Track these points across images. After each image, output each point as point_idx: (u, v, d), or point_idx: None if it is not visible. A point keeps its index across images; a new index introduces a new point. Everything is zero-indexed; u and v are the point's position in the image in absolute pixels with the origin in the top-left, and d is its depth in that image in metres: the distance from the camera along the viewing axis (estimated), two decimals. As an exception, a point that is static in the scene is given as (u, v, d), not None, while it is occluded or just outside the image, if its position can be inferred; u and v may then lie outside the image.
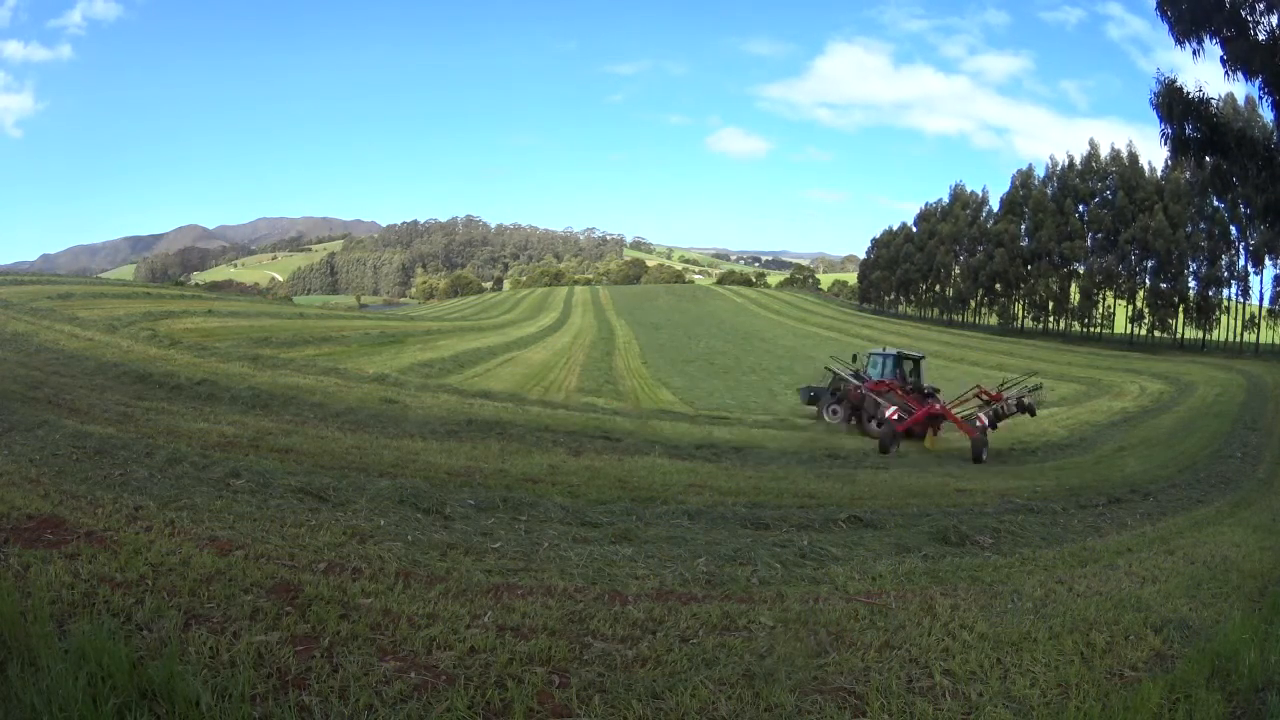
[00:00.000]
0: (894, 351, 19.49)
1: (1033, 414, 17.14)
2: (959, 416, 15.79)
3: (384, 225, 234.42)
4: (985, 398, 16.89)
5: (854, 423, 17.47)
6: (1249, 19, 10.72)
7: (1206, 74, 11.67)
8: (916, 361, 19.11)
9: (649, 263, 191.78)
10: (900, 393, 16.55)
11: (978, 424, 15.06)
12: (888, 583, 4.78)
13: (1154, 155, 60.56)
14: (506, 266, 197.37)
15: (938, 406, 16.17)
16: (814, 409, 19.27)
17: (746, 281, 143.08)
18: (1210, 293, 55.60)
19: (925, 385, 18.39)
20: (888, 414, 15.26)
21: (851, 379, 18.08)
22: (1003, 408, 16.29)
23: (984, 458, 14.14)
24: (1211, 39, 10.97)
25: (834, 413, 18.18)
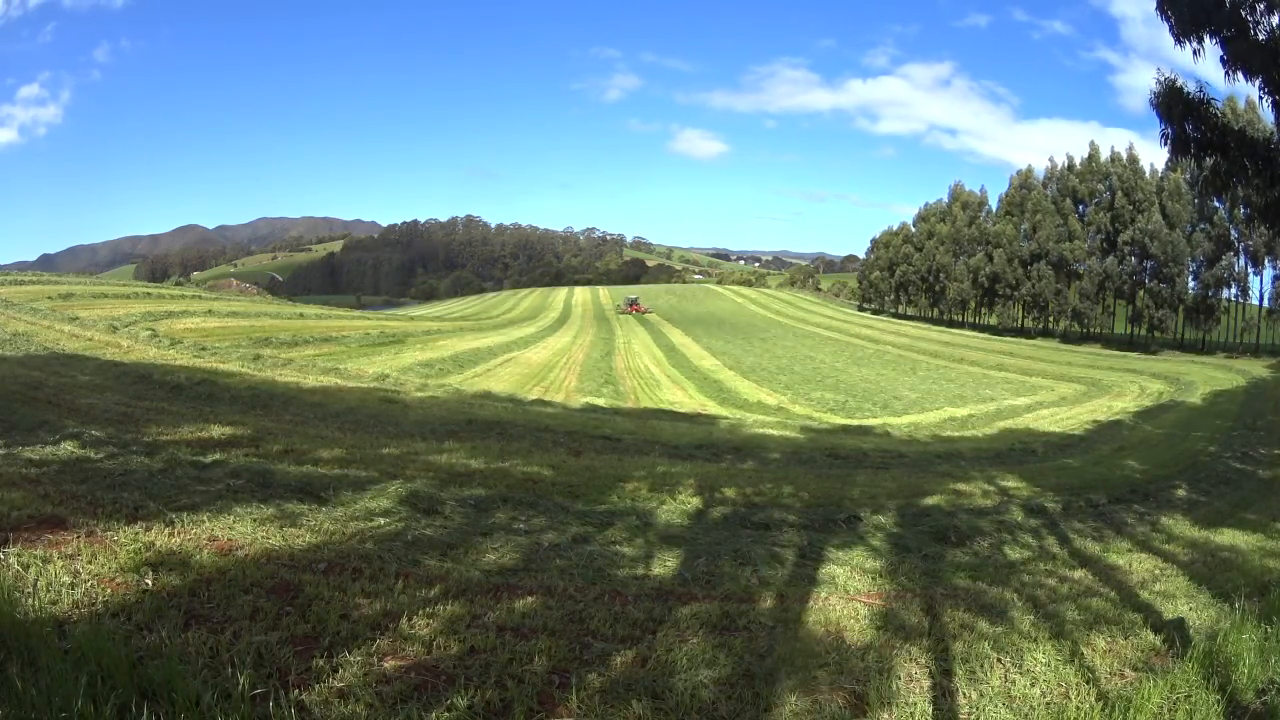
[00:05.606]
0: (631, 296, 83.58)
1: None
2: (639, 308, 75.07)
3: (384, 225, 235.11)
4: (634, 306, 75.46)
5: (629, 308, 74.77)
6: (1249, 19, 10.71)
7: (1201, 73, 11.70)
8: (635, 299, 79.17)
9: (649, 262, 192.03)
10: (630, 305, 76.22)
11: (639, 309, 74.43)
12: (888, 583, 4.78)
13: (1154, 156, 60.71)
14: (506, 266, 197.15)
15: (636, 307, 75.07)
16: (617, 306, 78.06)
17: (746, 281, 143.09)
18: (1209, 293, 55.64)
19: (638, 304, 76.72)
20: (628, 307, 75.69)
21: (624, 302, 79.43)
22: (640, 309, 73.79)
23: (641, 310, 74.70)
24: (1212, 39, 10.96)
25: (625, 307, 76.24)
